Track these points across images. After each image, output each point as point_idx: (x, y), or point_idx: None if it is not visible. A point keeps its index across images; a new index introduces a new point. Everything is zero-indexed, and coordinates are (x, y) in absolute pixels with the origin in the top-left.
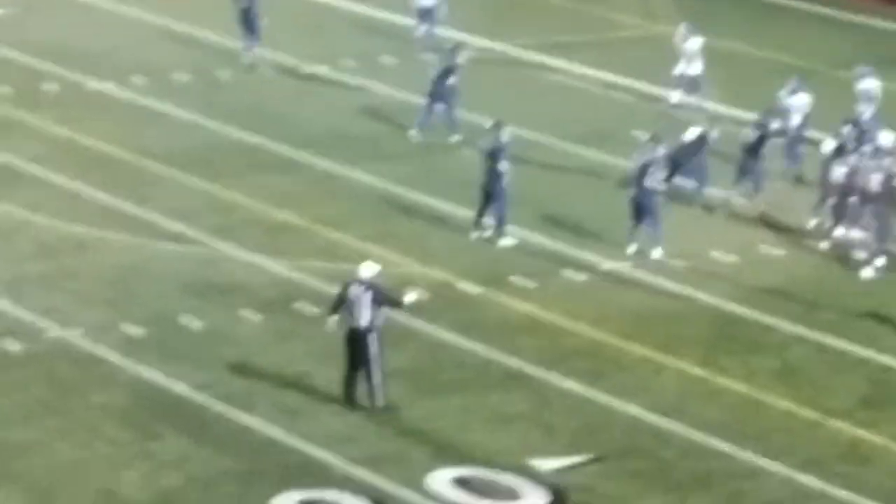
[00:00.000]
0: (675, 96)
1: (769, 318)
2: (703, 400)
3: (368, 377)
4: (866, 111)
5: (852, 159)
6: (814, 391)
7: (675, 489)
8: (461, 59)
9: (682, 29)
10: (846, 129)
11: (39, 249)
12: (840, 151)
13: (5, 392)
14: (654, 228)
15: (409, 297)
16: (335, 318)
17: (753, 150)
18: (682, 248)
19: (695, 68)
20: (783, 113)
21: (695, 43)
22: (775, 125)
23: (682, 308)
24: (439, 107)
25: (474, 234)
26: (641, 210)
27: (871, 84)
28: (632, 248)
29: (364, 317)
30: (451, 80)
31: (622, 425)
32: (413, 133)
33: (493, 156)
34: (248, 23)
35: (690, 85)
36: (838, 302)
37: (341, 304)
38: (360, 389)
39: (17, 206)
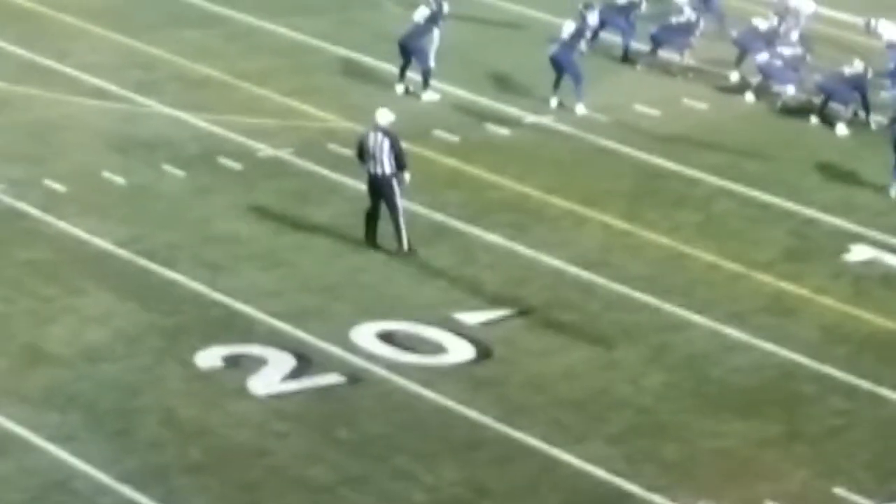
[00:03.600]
0: None
1: (693, 171)
2: (626, 253)
3: (395, 222)
4: None
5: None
6: (738, 244)
7: (600, 342)
8: None
9: None
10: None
11: None
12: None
13: None
14: (576, 84)
15: (408, 175)
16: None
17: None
18: (605, 102)
19: None
20: None
21: None
22: None
23: (606, 161)
24: None
25: (399, 88)
26: (561, 66)
27: None
28: (554, 102)
29: (386, 163)
30: None
31: (546, 278)
32: None
33: (431, 20)
34: None
35: None
36: (762, 154)
37: (364, 152)
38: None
39: None
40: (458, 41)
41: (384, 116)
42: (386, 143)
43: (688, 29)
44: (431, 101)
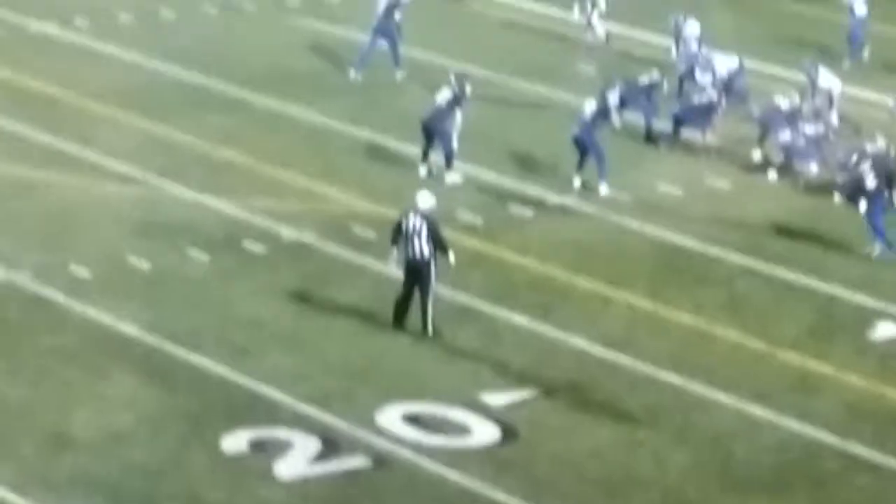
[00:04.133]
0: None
1: (716, 249)
2: (650, 332)
3: (424, 306)
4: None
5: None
6: (761, 322)
7: (625, 421)
8: None
9: None
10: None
11: None
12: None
13: None
14: (599, 163)
15: (452, 256)
16: (394, 250)
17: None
18: (628, 181)
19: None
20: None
21: None
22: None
23: (629, 241)
24: (383, 43)
25: (422, 170)
26: (584, 147)
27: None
28: (577, 182)
29: (425, 248)
30: (397, 16)
31: (571, 359)
32: (352, 73)
33: (454, 103)
34: None
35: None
36: (785, 232)
37: (399, 235)
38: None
39: None
40: (480, 122)
41: (425, 200)
42: (424, 228)
43: (710, 108)
44: (455, 183)
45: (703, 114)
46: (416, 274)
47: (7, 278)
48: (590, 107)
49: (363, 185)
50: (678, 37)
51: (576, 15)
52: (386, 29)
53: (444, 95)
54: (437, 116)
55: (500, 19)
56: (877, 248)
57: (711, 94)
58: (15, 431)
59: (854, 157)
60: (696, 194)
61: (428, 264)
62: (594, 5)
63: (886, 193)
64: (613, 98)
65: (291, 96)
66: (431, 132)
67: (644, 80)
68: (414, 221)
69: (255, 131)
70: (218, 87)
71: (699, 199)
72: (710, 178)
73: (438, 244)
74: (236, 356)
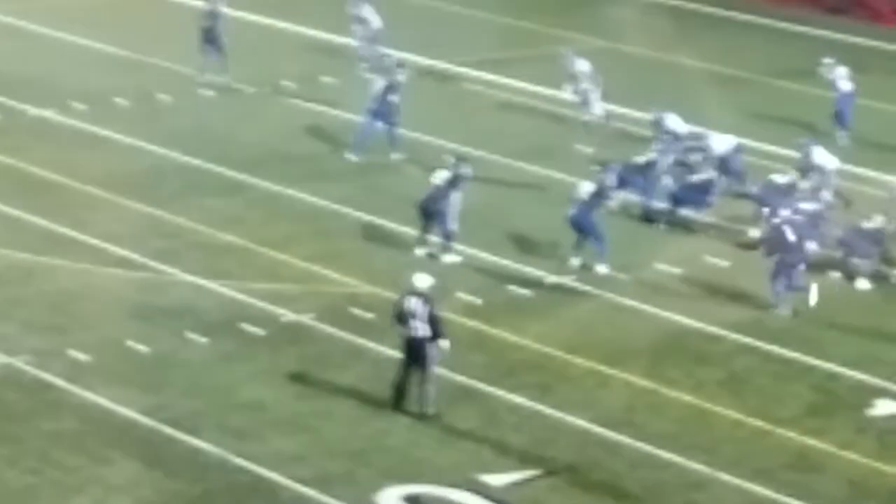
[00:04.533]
0: (599, 108)
1: (714, 328)
2: (650, 411)
3: (422, 385)
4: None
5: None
6: (761, 401)
7: (626, 501)
8: (402, 76)
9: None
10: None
11: None
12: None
13: None
14: (598, 244)
15: (447, 343)
16: (401, 329)
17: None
18: (626, 261)
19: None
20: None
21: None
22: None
23: (627, 320)
24: (379, 125)
25: (419, 251)
26: (580, 227)
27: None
28: (576, 262)
29: (423, 327)
30: (393, 98)
31: (571, 438)
32: (350, 156)
33: (451, 184)
34: (213, 41)
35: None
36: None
37: (401, 315)
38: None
39: None
40: (478, 203)
41: (422, 281)
42: (422, 308)
43: (707, 187)
44: (453, 263)
45: (701, 192)
46: (416, 354)
47: (7, 362)
48: (586, 188)
49: (362, 266)
50: (662, 130)
51: (567, 94)
52: (382, 111)
53: (441, 176)
54: (434, 197)
55: (496, 100)
56: None
57: (709, 173)
58: None
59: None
60: (695, 272)
61: (426, 344)
62: (597, 84)
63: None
64: (611, 179)
65: (289, 179)
66: (429, 213)
67: (641, 159)
68: (413, 302)
69: (254, 214)
70: (216, 171)
71: (697, 277)
72: (708, 257)
73: (435, 326)
74: (236, 439)
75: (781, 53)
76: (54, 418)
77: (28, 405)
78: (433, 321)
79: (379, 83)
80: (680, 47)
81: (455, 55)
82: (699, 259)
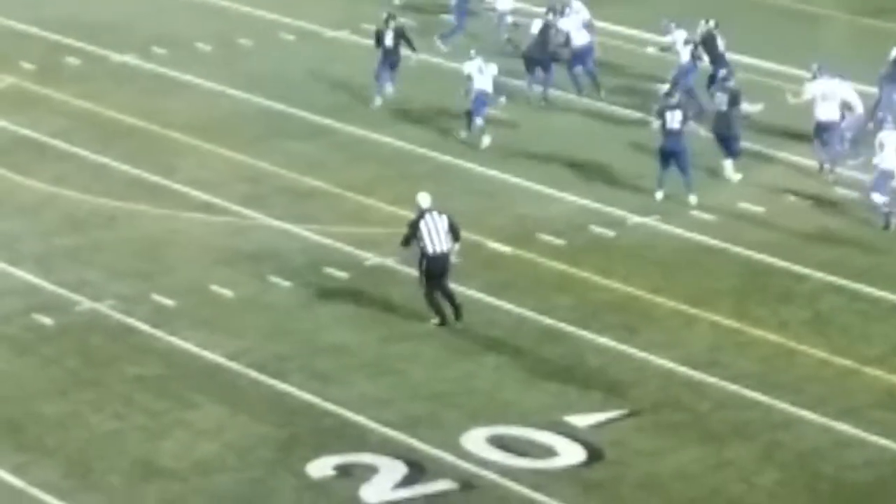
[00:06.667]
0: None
1: (800, 267)
2: (736, 351)
3: (452, 297)
4: None
5: None
6: (847, 340)
7: (711, 441)
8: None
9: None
10: None
11: (68, 223)
12: None
13: (39, 366)
14: (685, 173)
15: (457, 246)
16: (404, 251)
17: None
18: (710, 201)
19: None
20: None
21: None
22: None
23: (712, 260)
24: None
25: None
26: (669, 156)
27: None
28: (659, 195)
29: (445, 241)
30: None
31: (656, 379)
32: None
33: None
34: None
35: None
36: (870, 249)
37: (413, 236)
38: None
39: (44, 180)
40: (564, 141)
41: (426, 199)
42: (442, 223)
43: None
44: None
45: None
46: (443, 267)
47: (92, 308)
48: (676, 117)
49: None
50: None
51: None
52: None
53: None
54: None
55: None
56: None
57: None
58: (102, 461)
59: None
60: (779, 211)
61: (448, 256)
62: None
63: None
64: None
65: (373, 123)
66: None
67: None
68: (431, 219)
69: (337, 158)
70: (299, 115)
71: (782, 216)
72: (791, 196)
73: (455, 232)
74: (322, 383)
75: None
76: (139, 363)
77: (113, 350)
78: (454, 229)
79: None
80: None
81: None
82: (783, 197)
